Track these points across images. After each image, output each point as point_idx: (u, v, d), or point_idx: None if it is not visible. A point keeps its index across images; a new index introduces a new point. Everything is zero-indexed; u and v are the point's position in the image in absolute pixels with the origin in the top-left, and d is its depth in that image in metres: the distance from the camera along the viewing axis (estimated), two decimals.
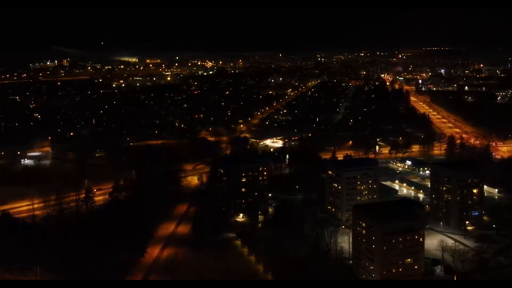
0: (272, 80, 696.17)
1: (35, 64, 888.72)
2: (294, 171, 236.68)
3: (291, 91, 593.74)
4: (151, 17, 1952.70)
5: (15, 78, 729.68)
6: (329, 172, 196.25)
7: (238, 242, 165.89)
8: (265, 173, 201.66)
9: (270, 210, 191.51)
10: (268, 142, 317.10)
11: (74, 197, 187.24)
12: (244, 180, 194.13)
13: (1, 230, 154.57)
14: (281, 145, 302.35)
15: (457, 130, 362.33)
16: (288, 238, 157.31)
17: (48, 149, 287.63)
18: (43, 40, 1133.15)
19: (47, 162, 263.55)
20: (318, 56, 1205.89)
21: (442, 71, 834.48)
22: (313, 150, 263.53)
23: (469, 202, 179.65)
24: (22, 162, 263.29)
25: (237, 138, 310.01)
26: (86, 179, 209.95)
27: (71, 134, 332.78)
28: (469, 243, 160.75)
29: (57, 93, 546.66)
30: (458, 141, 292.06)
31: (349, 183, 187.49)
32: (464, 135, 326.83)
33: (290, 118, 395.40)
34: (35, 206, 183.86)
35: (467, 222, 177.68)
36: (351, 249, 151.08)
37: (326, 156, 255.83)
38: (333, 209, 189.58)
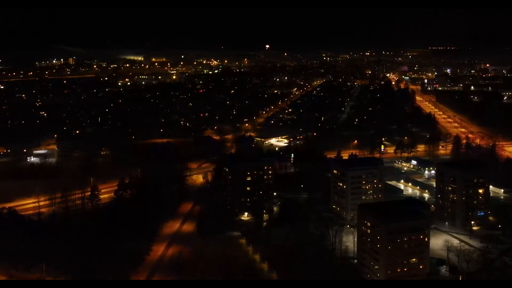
0: (277, 79, 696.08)
1: (41, 63, 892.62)
2: (299, 170, 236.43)
3: (296, 90, 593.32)
4: (156, 16, 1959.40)
5: (21, 76, 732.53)
6: (334, 171, 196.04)
7: (243, 241, 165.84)
8: (270, 172, 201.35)
9: (275, 209, 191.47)
10: (273, 141, 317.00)
11: (80, 195, 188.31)
12: (249, 178, 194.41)
13: (8, 227, 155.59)
14: (286, 144, 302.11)
15: (463, 130, 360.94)
16: (293, 237, 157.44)
17: (54, 147, 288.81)
18: (46, 38, 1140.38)
19: (53, 159, 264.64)
20: (324, 55, 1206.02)
21: (448, 70, 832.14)
22: (318, 149, 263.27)
23: (475, 202, 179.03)
24: (28, 160, 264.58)
25: (242, 137, 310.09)
26: (92, 177, 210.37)
27: (77, 132, 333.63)
28: (475, 243, 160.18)
29: (63, 91, 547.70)
30: (464, 141, 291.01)
31: (354, 182, 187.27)
32: (470, 135, 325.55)
33: (295, 117, 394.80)
34: (41, 203, 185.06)
35: (472, 222, 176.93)
36: (355, 249, 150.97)
37: (331, 155, 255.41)
38: (338, 208, 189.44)
